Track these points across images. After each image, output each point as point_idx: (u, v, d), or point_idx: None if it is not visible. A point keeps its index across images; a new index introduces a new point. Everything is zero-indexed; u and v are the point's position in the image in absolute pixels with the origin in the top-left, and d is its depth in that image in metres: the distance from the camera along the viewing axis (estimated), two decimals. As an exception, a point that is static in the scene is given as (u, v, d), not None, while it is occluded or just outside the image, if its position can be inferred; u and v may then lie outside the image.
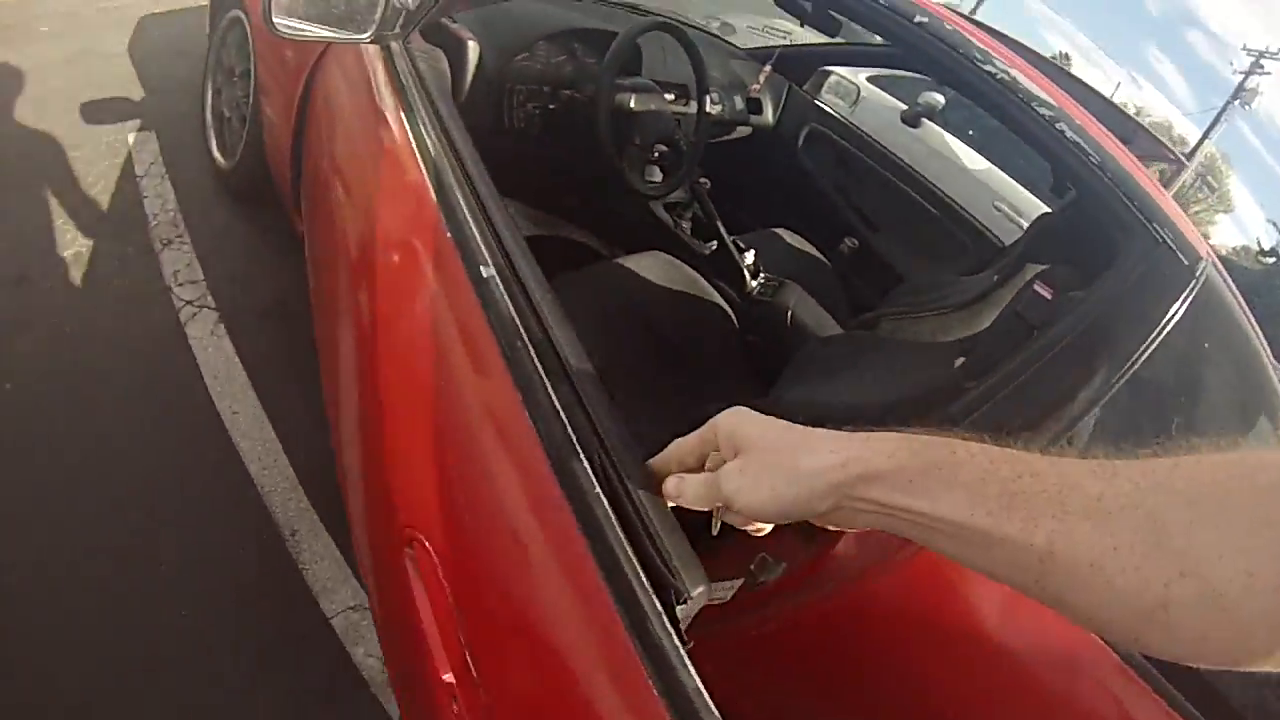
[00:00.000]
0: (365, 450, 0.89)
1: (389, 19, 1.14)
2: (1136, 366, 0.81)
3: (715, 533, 0.50)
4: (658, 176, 1.64)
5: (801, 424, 0.44)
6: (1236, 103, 17.14)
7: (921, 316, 1.33)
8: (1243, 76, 17.40)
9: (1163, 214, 0.92)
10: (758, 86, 1.89)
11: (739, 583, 0.53)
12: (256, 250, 1.99)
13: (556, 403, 0.59)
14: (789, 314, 1.60)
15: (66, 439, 1.43)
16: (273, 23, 1.07)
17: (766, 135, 1.95)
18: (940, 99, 2.66)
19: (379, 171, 1.01)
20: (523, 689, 0.57)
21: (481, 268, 0.73)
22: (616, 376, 1.27)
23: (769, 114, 1.93)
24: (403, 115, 0.99)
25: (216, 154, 2.06)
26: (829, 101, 2.07)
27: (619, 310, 1.40)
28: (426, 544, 0.65)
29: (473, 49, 1.47)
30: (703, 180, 1.70)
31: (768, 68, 1.91)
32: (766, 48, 2.12)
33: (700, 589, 0.48)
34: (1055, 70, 1.26)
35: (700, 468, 0.49)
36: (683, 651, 0.46)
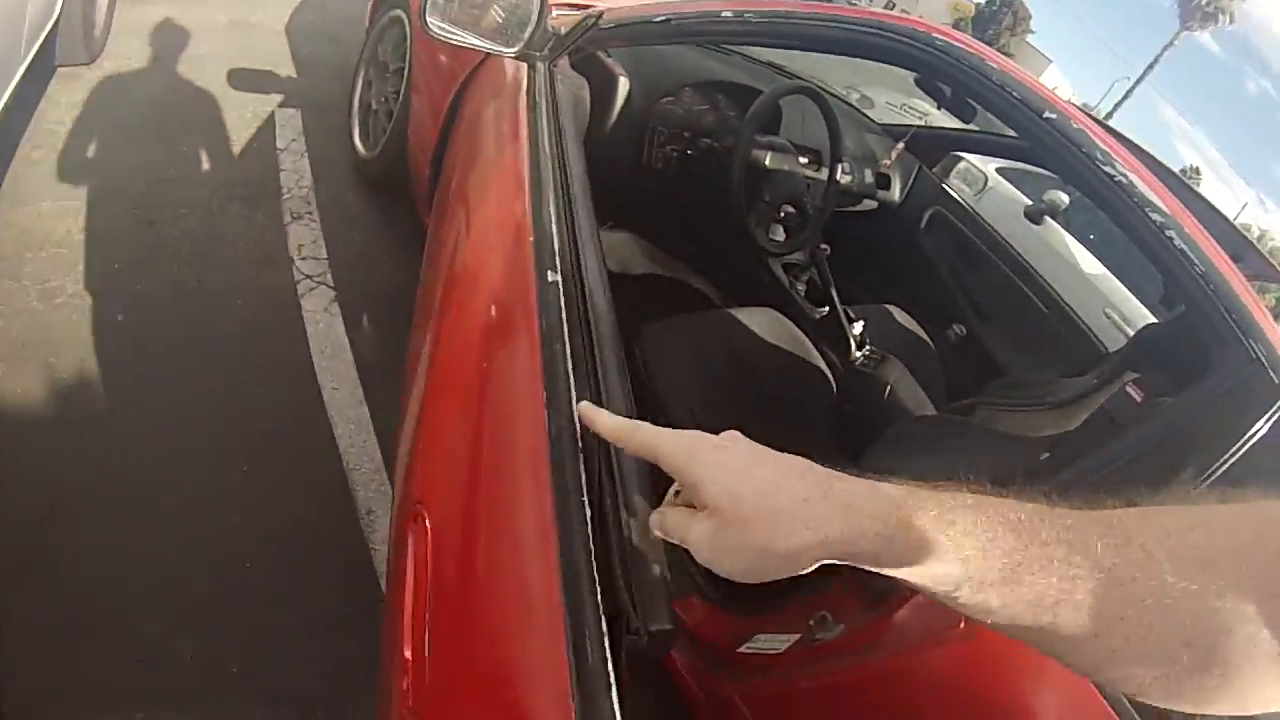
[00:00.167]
0: (405, 430, 0.91)
1: (537, 40, 1.19)
2: (1215, 477, 0.80)
3: None
4: (781, 235, 1.67)
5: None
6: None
7: (1016, 410, 1.32)
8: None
9: (1259, 330, 0.91)
10: (889, 162, 1.89)
11: (794, 638, 0.52)
12: (382, 240, 2.06)
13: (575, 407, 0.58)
14: (888, 389, 1.60)
15: (169, 383, 1.49)
16: (427, 22, 1.14)
17: (891, 211, 1.95)
18: (1065, 199, 2.63)
19: (489, 188, 1.04)
20: (460, 678, 0.57)
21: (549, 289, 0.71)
22: (708, 417, 1.30)
23: (896, 191, 1.93)
24: (525, 136, 1.01)
25: (358, 142, 2.17)
26: (956, 187, 2.06)
27: (724, 356, 1.42)
28: (426, 521, 0.65)
29: (623, 85, 1.52)
30: (823, 246, 1.71)
31: (900, 145, 1.91)
32: (902, 126, 2.13)
33: (657, 628, 0.46)
34: (1179, 184, 1.24)
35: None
36: (613, 681, 0.44)
